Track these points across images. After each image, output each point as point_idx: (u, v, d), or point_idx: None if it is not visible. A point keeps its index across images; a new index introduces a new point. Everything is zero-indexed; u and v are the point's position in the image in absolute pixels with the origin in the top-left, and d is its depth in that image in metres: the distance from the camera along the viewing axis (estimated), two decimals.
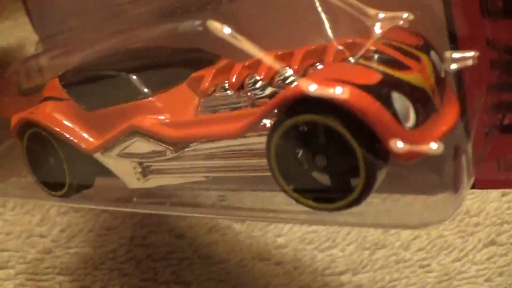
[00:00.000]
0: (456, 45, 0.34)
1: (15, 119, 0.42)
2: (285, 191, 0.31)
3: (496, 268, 0.55)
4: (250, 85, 0.34)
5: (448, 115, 0.31)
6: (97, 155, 0.40)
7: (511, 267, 0.55)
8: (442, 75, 0.33)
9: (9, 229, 0.55)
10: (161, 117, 0.37)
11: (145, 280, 0.51)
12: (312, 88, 0.27)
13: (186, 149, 0.36)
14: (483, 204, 0.61)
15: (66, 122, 0.41)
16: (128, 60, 0.41)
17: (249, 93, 0.34)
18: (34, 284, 0.51)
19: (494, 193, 0.62)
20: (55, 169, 0.41)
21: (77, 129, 0.40)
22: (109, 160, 0.39)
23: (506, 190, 0.63)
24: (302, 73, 0.33)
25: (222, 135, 0.33)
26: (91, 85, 0.40)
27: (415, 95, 0.29)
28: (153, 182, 0.39)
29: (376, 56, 0.31)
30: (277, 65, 0.33)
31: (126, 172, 0.39)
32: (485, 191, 0.62)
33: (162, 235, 0.55)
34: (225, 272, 0.52)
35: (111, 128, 0.38)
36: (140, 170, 0.39)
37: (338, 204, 0.30)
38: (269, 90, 0.33)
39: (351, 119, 0.27)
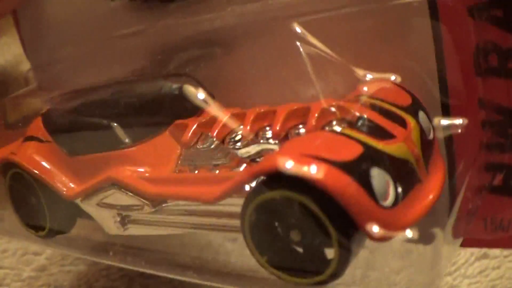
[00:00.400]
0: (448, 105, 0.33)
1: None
2: (259, 262, 0.30)
3: (488, 282, 0.55)
4: (231, 142, 0.34)
5: (432, 185, 0.30)
6: (77, 201, 0.40)
7: (504, 281, 0.55)
8: (430, 136, 0.32)
9: (4, 247, 0.56)
10: (141, 170, 0.36)
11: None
12: (289, 165, 0.26)
13: (164, 205, 0.36)
14: None
15: (47, 166, 0.41)
16: (111, 104, 0.40)
17: (230, 151, 0.34)
18: None
19: None
20: (36, 211, 0.41)
21: (58, 173, 0.40)
22: (89, 208, 0.40)
23: None
24: (285, 135, 0.33)
25: (198, 199, 0.33)
26: (73, 130, 0.40)
27: (397, 168, 0.28)
28: (132, 231, 0.39)
29: (359, 123, 0.30)
30: (234, 125, 0.34)
31: (105, 220, 0.40)
32: None
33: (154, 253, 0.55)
34: None
35: (92, 175, 0.38)
36: (119, 219, 0.39)
37: (314, 279, 0.29)
38: (252, 149, 0.33)
39: (326, 199, 0.26)
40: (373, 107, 0.31)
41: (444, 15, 0.32)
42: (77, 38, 0.47)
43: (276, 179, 0.27)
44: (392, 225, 0.27)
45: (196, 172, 0.35)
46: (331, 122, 0.32)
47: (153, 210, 0.36)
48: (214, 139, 0.35)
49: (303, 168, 0.26)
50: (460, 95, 0.33)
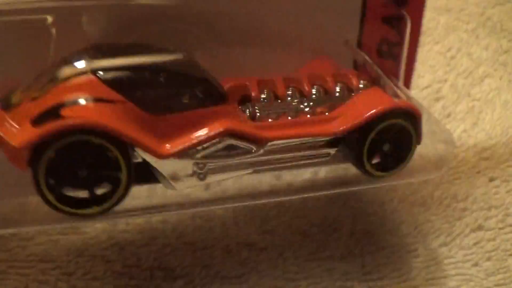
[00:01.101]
0: None
1: (36, 131, 0.36)
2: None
3: (484, 253, 0.55)
4: (293, 97, 0.46)
5: None
6: (154, 160, 0.39)
7: (499, 252, 0.55)
8: None
9: None
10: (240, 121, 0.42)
11: (128, 267, 0.51)
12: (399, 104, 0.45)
13: (267, 146, 0.42)
14: (471, 189, 0.60)
15: (133, 126, 0.38)
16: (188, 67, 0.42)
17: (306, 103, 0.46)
18: (15, 271, 0.50)
19: (482, 178, 0.62)
20: (101, 181, 0.39)
21: (146, 134, 0.39)
22: (169, 164, 0.40)
23: (494, 175, 0.62)
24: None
25: (323, 134, 0.43)
26: (155, 88, 0.40)
27: None
28: (211, 179, 0.41)
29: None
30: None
31: (182, 175, 0.40)
32: (472, 176, 0.62)
33: (145, 221, 0.54)
34: (209, 257, 0.52)
35: (182, 132, 0.40)
36: (203, 170, 0.41)
37: None
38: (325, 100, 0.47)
39: (415, 122, 0.46)
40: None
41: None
42: None
43: (394, 112, 0.44)
44: None
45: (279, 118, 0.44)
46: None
47: (262, 151, 0.42)
48: (292, 92, 0.46)
49: (403, 105, 0.45)
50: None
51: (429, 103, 0.71)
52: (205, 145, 0.40)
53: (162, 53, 0.42)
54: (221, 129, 0.40)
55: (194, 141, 0.40)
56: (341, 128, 0.44)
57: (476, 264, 0.54)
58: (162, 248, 0.52)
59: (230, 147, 0.41)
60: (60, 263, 0.51)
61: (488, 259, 0.54)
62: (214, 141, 0.40)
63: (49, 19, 0.43)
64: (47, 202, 0.38)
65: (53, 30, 0.43)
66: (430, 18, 0.82)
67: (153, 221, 0.54)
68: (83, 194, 0.39)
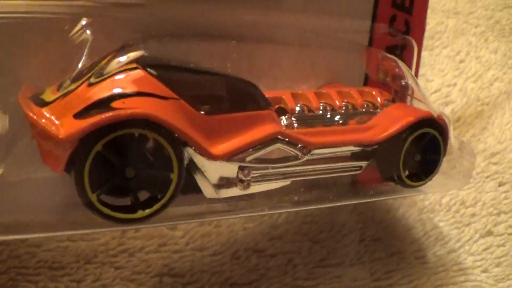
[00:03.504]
0: None
1: (86, 121, 0.33)
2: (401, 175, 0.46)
3: (494, 259, 0.55)
4: (326, 110, 0.47)
5: None
6: (203, 162, 0.38)
7: (509, 258, 0.55)
8: None
9: None
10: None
11: (137, 273, 0.51)
12: (431, 114, 0.47)
13: (311, 154, 0.42)
14: (479, 194, 0.60)
15: (187, 124, 0.37)
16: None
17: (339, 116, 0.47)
18: (25, 278, 0.50)
19: (491, 183, 0.62)
20: (149, 182, 0.36)
21: (198, 132, 0.37)
22: (216, 168, 0.39)
23: (504, 180, 0.62)
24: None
25: (363, 142, 0.44)
26: (207, 87, 0.39)
27: None
28: (253, 189, 0.41)
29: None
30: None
31: (226, 182, 0.39)
32: (480, 181, 0.61)
33: (154, 227, 0.54)
34: (218, 264, 0.52)
35: (231, 133, 0.39)
36: (247, 178, 0.40)
37: None
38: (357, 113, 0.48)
39: (441, 130, 0.47)
40: None
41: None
42: None
43: (424, 122, 0.46)
44: None
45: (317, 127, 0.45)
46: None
47: (306, 158, 0.42)
48: (324, 106, 0.47)
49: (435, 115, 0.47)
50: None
51: (438, 108, 0.70)
52: (255, 148, 0.39)
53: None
54: (273, 132, 0.40)
55: (247, 143, 0.39)
56: (381, 136, 0.45)
57: (485, 270, 0.54)
58: (171, 254, 0.52)
59: (277, 153, 0.41)
60: (69, 270, 0.51)
61: (498, 265, 0.54)
62: (264, 143, 0.40)
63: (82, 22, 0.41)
64: (89, 204, 0.35)
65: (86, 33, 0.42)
66: (439, 22, 0.82)
67: (162, 227, 0.54)
68: (127, 197, 0.37)
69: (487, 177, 0.62)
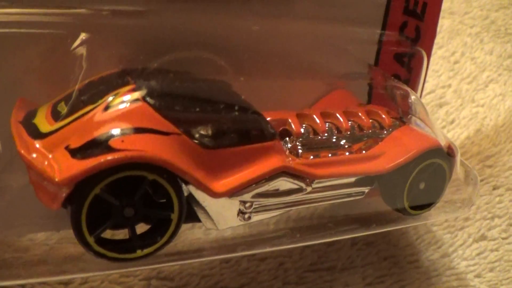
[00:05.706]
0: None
1: (83, 164, 0.32)
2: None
3: (487, 264, 0.54)
4: (331, 132, 0.44)
5: None
6: (204, 199, 0.37)
7: (502, 263, 0.54)
8: None
9: None
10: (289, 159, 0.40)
11: (126, 276, 0.50)
12: (440, 143, 0.46)
13: (315, 185, 0.41)
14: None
15: (189, 162, 0.35)
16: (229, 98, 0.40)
17: (345, 140, 0.45)
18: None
19: (485, 187, 0.61)
20: (148, 222, 0.36)
21: (199, 170, 0.36)
22: (218, 203, 0.37)
23: (498, 184, 0.61)
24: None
25: (371, 171, 0.43)
26: (210, 122, 0.37)
27: None
28: (256, 218, 0.40)
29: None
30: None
31: (227, 215, 0.38)
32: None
33: None
34: (208, 267, 0.51)
35: (234, 168, 0.37)
36: (249, 210, 0.39)
37: None
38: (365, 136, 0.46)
39: (448, 158, 0.46)
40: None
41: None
42: None
43: (432, 152, 0.45)
44: None
45: (320, 155, 0.42)
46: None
47: (310, 189, 0.40)
48: (329, 127, 0.45)
49: (445, 144, 0.46)
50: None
51: (433, 109, 0.70)
52: (258, 183, 0.38)
53: (212, 84, 0.40)
54: (277, 167, 0.38)
55: (250, 179, 0.38)
56: (388, 166, 0.43)
57: (478, 275, 0.53)
58: (160, 257, 0.51)
59: (281, 185, 0.39)
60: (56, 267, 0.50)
61: (491, 270, 0.54)
62: (268, 178, 0.38)
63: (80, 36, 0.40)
64: (86, 245, 0.35)
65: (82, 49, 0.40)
66: None
67: None
68: (125, 236, 0.36)
69: (481, 180, 0.62)
